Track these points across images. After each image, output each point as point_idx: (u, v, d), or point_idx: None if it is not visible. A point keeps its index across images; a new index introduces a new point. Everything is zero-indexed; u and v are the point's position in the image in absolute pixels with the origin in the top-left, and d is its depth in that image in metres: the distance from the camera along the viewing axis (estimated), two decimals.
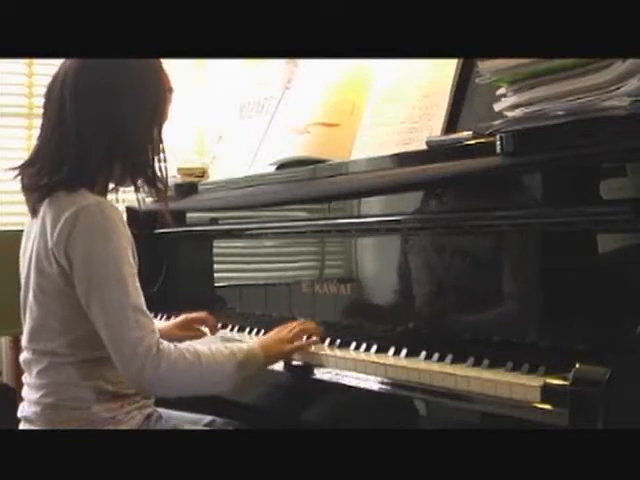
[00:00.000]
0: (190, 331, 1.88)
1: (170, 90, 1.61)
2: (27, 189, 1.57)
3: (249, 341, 1.65)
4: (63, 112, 1.53)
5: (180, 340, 1.70)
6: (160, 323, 1.93)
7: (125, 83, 1.55)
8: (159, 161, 1.59)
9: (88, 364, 1.50)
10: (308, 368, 1.66)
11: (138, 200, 1.64)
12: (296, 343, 1.65)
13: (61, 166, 1.52)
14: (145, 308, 1.48)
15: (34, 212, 1.55)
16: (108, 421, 1.51)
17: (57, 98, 1.54)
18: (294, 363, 1.69)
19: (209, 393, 1.54)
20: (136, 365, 1.43)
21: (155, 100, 1.58)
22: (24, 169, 1.57)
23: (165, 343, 1.46)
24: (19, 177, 1.57)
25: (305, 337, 1.69)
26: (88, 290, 1.46)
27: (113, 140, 1.53)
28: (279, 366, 1.72)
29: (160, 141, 1.59)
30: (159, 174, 1.59)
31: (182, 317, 1.90)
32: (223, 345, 1.55)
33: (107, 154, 1.53)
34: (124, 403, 1.53)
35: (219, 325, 1.98)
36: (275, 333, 1.66)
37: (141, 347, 1.42)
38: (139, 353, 1.42)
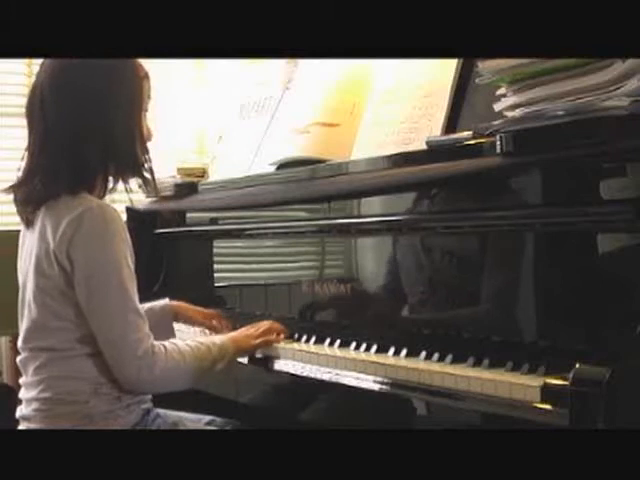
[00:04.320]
0: (208, 324, 1.97)
1: (146, 76, 1.62)
2: (21, 202, 1.57)
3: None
4: (47, 123, 1.53)
5: (193, 324, 1.89)
6: (182, 303, 1.98)
7: (103, 79, 1.55)
8: (143, 150, 1.60)
9: (86, 358, 1.51)
10: (308, 368, 1.66)
11: (130, 199, 1.64)
12: (263, 338, 1.73)
13: (58, 175, 1.52)
14: (142, 311, 1.51)
15: (29, 223, 1.56)
16: (107, 415, 1.51)
17: (39, 110, 1.54)
18: (294, 363, 1.69)
19: (186, 387, 1.59)
20: (134, 367, 1.47)
21: (134, 90, 1.59)
22: (18, 187, 1.57)
23: (157, 345, 1.51)
24: (12, 190, 1.58)
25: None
26: (89, 293, 1.47)
27: (104, 138, 1.53)
28: (280, 366, 1.73)
29: (142, 129, 1.60)
30: (145, 163, 1.61)
31: (212, 311, 2.00)
32: (199, 342, 1.62)
33: (101, 153, 1.54)
34: (122, 397, 1.53)
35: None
36: (244, 329, 1.76)
37: (140, 350, 1.47)
38: (138, 355, 1.47)
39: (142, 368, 1.47)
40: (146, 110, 1.62)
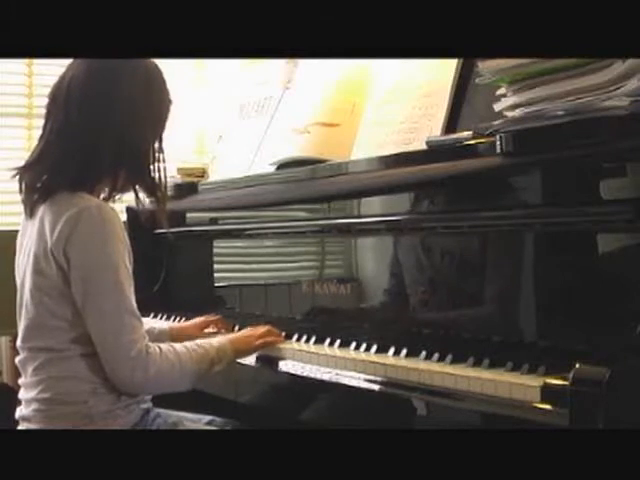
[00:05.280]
0: (206, 333, 1.95)
1: (170, 102, 1.64)
2: (26, 190, 1.57)
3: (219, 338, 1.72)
4: (69, 116, 1.53)
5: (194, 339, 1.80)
6: (177, 323, 2.01)
7: (133, 91, 1.56)
8: (159, 170, 1.61)
9: (85, 358, 1.50)
10: (308, 368, 1.66)
11: (137, 201, 1.64)
12: (262, 340, 1.74)
13: (65, 169, 1.52)
14: (137, 312, 1.51)
15: (31, 213, 1.56)
16: (106, 415, 1.51)
17: (63, 101, 1.54)
18: (294, 362, 1.69)
19: (185, 389, 1.59)
20: (128, 367, 1.47)
21: (160, 109, 1.62)
22: (25, 170, 1.57)
23: (152, 346, 1.50)
24: (18, 177, 1.58)
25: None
26: (85, 292, 1.47)
27: (119, 147, 1.54)
28: (279, 366, 1.73)
29: (161, 150, 1.61)
30: (158, 182, 1.61)
31: (202, 319, 1.97)
32: (196, 343, 1.61)
33: (113, 161, 1.54)
34: (122, 397, 1.53)
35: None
36: (243, 332, 1.76)
37: (134, 350, 1.47)
38: (131, 356, 1.47)
39: (136, 369, 1.47)
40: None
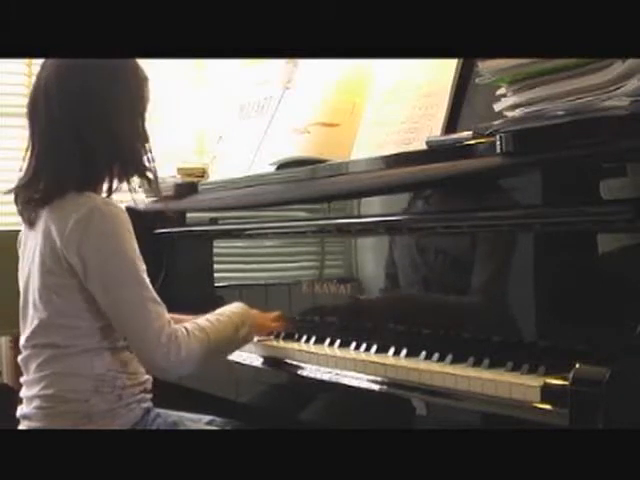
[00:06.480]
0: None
1: (146, 79, 1.63)
2: (23, 203, 1.57)
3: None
4: (53, 122, 1.54)
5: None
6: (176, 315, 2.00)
7: (107, 81, 1.56)
8: (145, 151, 1.62)
9: (89, 355, 1.52)
10: (308, 368, 1.66)
11: (134, 199, 1.65)
12: (276, 323, 1.80)
13: (68, 176, 1.53)
14: (158, 297, 1.53)
15: (31, 223, 1.56)
16: (107, 414, 1.52)
17: (44, 108, 1.55)
18: (294, 362, 1.69)
19: (220, 359, 1.64)
20: (162, 353, 1.48)
21: (136, 92, 1.61)
22: (23, 187, 1.57)
23: (179, 329, 1.53)
24: (14, 194, 1.59)
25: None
26: (106, 288, 1.49)
27: (109, 139, 1.54)
28: (280, 366, 1.73)
29: (145, 131, 1.62)
30: (148, 164, 1.62)
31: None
32: (217, 313, 1.64)
33: (107, 154, 1.55)
34: (123, 396, 1.53)
35: None
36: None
37: (163, 336, 1.48)
38: (162, 341, 1.48)
39: (170, 353, 1.48)
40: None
